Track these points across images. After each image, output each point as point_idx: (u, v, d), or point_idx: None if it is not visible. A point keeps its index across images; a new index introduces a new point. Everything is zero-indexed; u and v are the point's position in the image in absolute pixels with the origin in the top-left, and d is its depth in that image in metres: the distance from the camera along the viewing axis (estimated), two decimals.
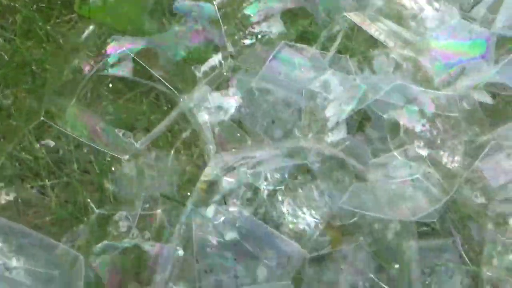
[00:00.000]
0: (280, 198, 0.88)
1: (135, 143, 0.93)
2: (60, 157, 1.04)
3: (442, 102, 0.87)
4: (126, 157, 0.92)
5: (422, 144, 0.87)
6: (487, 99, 0.90)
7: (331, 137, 0.87)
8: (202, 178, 0.87)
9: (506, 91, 0.95)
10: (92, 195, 0.96)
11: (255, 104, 0.92)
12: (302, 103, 0.89)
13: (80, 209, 0.96)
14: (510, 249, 0.84)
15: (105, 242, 0.86)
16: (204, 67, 0.95)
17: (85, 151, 1.02)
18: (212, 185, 0.87)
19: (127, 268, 0.83)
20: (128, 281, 0.82)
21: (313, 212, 0.87)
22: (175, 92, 0.93)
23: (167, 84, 0.92)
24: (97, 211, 0.90)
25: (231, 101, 0.94)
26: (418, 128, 0.88)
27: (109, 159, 0.96)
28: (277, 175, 0.89)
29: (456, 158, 0.87)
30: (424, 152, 0.87)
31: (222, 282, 0.82)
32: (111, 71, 0.96)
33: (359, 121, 0.93)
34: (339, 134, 0.88)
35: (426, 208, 0.85)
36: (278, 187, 0.88)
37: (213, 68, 0.96)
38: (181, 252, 0.83)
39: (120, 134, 0.94)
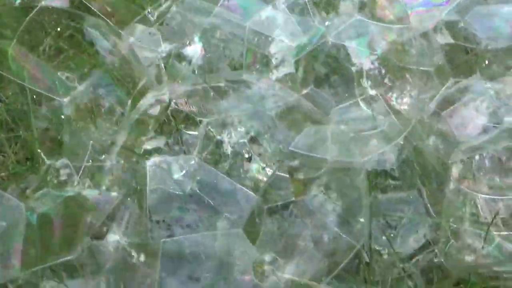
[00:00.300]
0: (246, 154, 0.86)
1: (78, 86, 0.90)
2: (18, 112, 1.03)
3: (397, 41, 0.85)
4: (66, 99, 0.90)
5: (370, 83, 0.86)
6: (448, 39, 0.89)
7: (276, 74, 0.86)
8: (136, 110, 0.85)
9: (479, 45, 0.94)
10: (50, 150, 0.94)
11: (206, 41, 0.91)
12: (246, 40, 0.87)
13: (37, 164, 0.95)
14: (473, 199, 0.83)
15: (45, 189, 0.84)
16: (157, 11, 0.93)
17: (44, 106, 1.00)
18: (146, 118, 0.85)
19: (72, 216, 0.82)
20: (75, 230, 0.81)
21: (275, 164, 0.85)
22: (114, 27, 0.90)
23: (104, 18, 0.90)
24: (47, 162, 0.88)
25: (195, 49, 0.92)
26: (367, 66, 0.86)
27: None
28: (241, 128, 0.87)
29: (406, 100, 0.85)
30: (372, 92, 0.86)
31: (175, 233, 0.80)
32: (45, 2, 0.93)
33: (326, 74, 0.92)
34: (285, 71, 0.86)
35: (377, 150, 0.83)
36: (241, 140, 0.86)
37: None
38: (115, 194, 0.82)
39: (64, 77, 0.91)
